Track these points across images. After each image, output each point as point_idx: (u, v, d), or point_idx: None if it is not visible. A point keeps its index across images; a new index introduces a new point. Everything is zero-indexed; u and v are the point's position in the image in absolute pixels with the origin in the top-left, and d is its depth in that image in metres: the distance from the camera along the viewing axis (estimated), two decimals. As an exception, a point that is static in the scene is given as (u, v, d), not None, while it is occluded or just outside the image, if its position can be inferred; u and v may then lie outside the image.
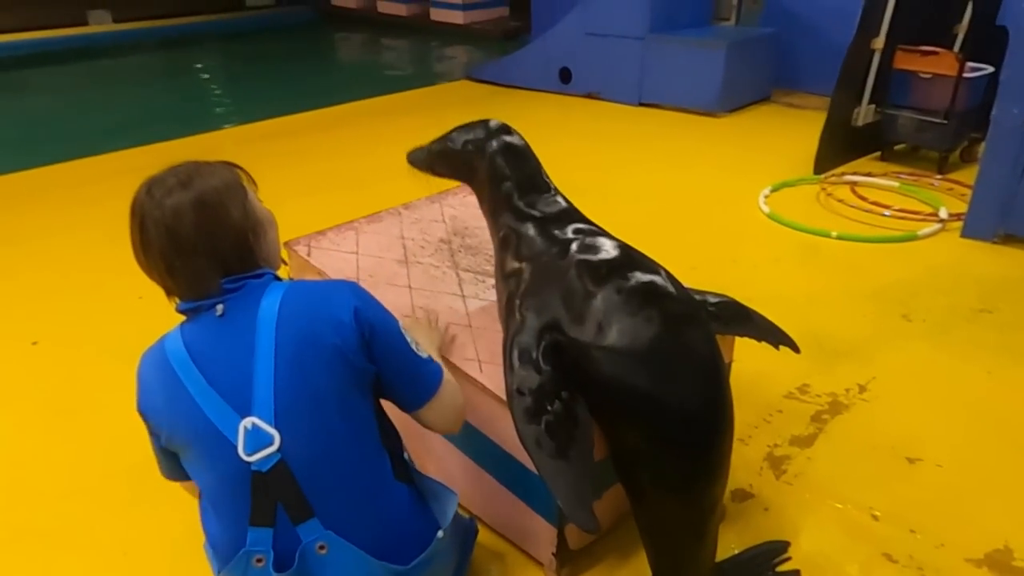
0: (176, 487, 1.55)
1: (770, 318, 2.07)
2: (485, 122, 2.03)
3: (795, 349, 2.06)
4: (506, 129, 2.01)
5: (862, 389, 2.60)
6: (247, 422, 1.23)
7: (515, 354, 1.65)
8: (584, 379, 1.63)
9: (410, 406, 1.46)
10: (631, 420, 1.60)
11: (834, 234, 3.81)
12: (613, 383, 1.59)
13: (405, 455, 1.49)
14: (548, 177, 2.01)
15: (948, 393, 2.59)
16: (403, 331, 1.41)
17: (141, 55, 10.02)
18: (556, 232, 1.82)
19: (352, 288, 1.38)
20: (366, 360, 1.33)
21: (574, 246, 1.77)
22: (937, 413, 2.49)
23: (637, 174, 4.89)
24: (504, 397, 1.68)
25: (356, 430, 1.31)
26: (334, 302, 1.32)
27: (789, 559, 1.90)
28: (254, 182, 1.45)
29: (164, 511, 2.05)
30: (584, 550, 1.87)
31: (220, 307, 1.29)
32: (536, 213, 1.89)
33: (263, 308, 1.27)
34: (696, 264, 3.45)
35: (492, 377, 1.76)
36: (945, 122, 4.52)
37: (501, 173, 1.94)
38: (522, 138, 2.03)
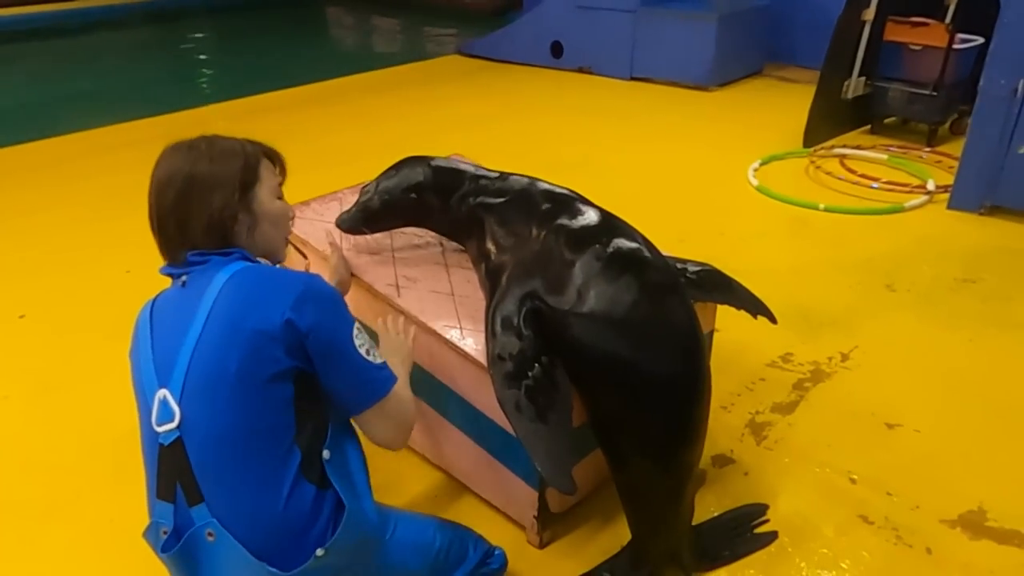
0: None
1: (756, 290, 2.09)
2: (403, 163, 2.05)
3: (772, 320, 2.09)
4: (422, 158, 2.05)
5: (844, 358, 2.63)
6: (161, 393, 1.24)
7: (497, 321, 1.67)
8: (564, 345, 1.65)
9: (350, 410, 1.38)
10: (610, 386, 1.63)
11: (822, 206, 3.82)
12: (593, 349, 1.62)
13: (328, 454, 1.32)
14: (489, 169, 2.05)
15: (929, 361, 2.62)
16: (354, 334, 1.32)
17: (129, 30, 9.92)
18: (528, 206, 1.85)
19: (303, 284, 1.29)
20: (292, 357, 1.25)
21: (551, 214, 1.79)
22: (918, 380, 2.52)
23: (628, 148, 4.89)
24: (485, 364, 1.70)
25: (263, 422, 1.24)
26: (274, 294, 1.26)
27: (767, 521, 1.94)
28: (282, 171, 1.48)
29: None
30: (565, 513, 1.90)
31: (184, 278, 1.32)
32: (498, 200, 1.91)
33: (212, 284, 1.28)
34: (684, 236, 3.46)
35: (474, 344, 1.78)
36: (935, 94, 4.51)
37: (450, 188, 1.97)
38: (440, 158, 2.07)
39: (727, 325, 2.24)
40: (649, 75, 6.44)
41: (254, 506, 1.22)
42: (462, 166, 2.05)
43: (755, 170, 4.32)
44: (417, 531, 1.51)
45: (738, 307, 2.05)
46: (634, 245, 1.73)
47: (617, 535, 1.89)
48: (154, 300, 1.37)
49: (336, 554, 1.27)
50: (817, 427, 2.29)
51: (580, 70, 6.79)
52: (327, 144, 4.92)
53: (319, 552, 1.24)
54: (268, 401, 1.24)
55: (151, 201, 1.34)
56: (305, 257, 2.10)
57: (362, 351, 1.33)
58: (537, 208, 1.85)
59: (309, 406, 1.30)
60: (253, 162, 1.39)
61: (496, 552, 1.69)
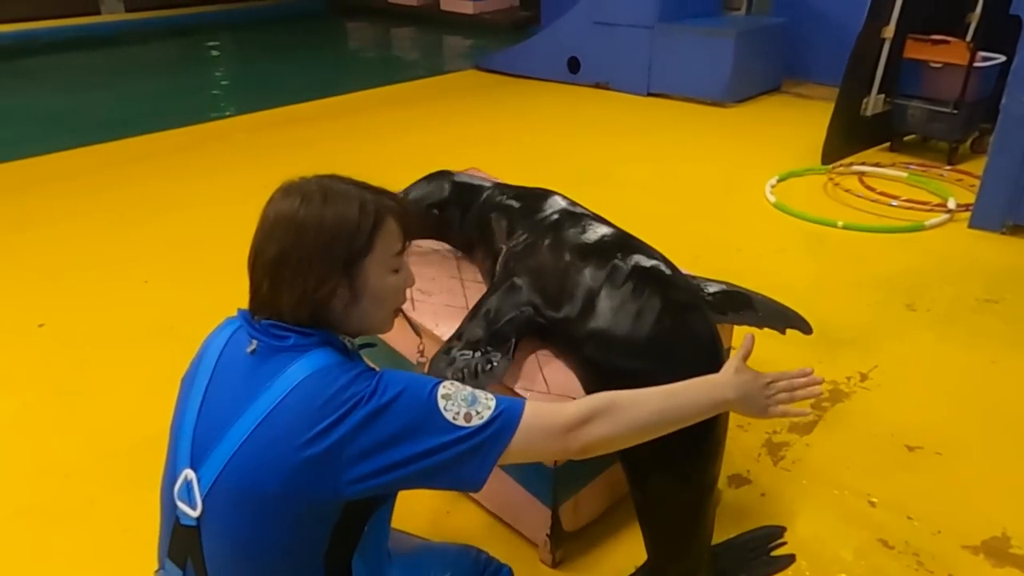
0: None
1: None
2: (427, 178, 2.11)
3: (806, 330, 2.00)
4: (445, 173, 2.11)
5: (864, 377, 2.59)
6: (188, 473, 1.11)
7: (480, 310, 1.76)
8: (580, 359, 1.64)
9: (477, 484, 1.13)
10: None
11: (840, 224, 3.79)
12: (612, 364, 1.61)
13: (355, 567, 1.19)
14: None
15: (951, 382, 2.58)
16: (443, 421, 1.09)
17: (153, 44, 10.07)
18: (543, 215, 1.88)
19: (355, 423, 1.06)
20: (348, 495, 1.08)
21: (565, 226, 1.80)
22: (939, 402, 2.47)
23: (645, 164, 4.88)
24: (503, 381, 1.69)
25: (293, 539, 1.10)
26: (338, 422, 1.06)
27: (785, 543, 1.91)
28: (408, 235, 1.23)
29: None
30: (579, 532, 1.88)
31: (254, 343, 1.14)
32: (513, 203, 1.95)
33: (279, 380, 1.10)
34: (700, 253, 3.43)
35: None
36: (955, 112, 4.48)
37: (470, 202, 2.05)
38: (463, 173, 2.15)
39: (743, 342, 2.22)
40: (667, 91, 6.44)
41: None
42: (483, 181, 2.06)
43: (772, 186, 4.30)
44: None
45: (759, 326, 2.01)
46: (653, 262, 1.72)
47: (631, 555, 1.86)
48: (227, 341, 1.19)
49: None
50: (835, 448, 2.26)
51: (597, 86, 6.80)
52: (345, 158, 4.96)
53: None
54: (304, 524, 1.10)
55: (253, 246, 1.16)
56: (419, 336, 1.81)
57: (462, 422, 1.10)
58: (552, 218, 1.85)
59: (350, 528, 1.14)
60: (369, 227, 1.16)
61: (504, 570, 1.66)
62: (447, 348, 1.74)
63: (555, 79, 7.00)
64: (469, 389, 1.14)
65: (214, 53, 9.47)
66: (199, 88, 7.51)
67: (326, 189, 1.16)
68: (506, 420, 1.12)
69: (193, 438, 1.13)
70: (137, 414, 2.40)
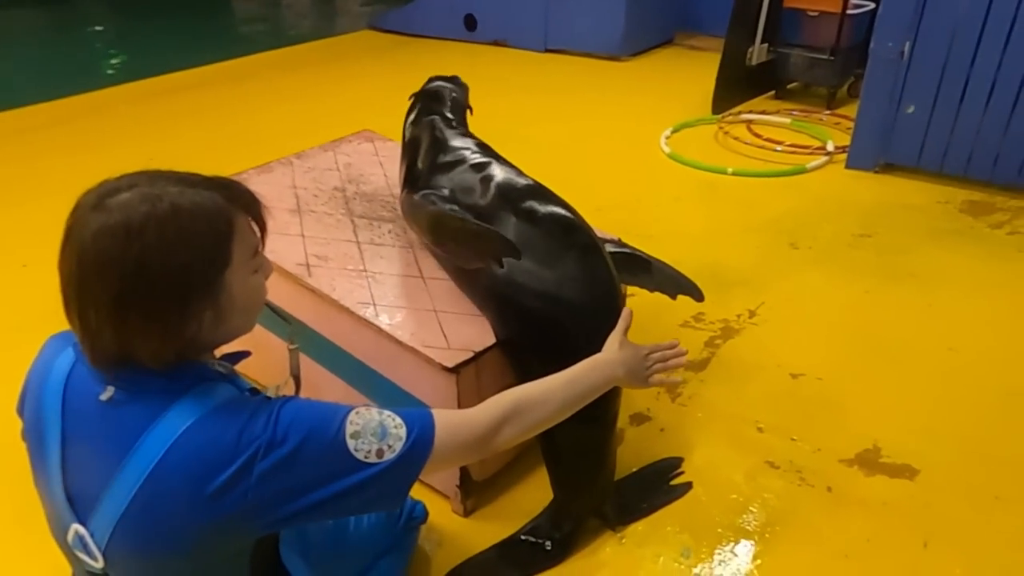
0: None
1: (671, 253, 2.14)
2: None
3: (698, 297, 2.04)
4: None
5: (752, 314, 2.75)
6: (78, 527, 1.01)
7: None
8: (489, 295, 1.75)
9: (395, 507, 1.19)
10: (536, 338, 1.68)
11: (730, 171, 3.95)
12: (521, 304, 1.68)
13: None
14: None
15: (830, 313, 2.78)
16: (351, 459, 1.02)
17: (19, 10, 9.28)
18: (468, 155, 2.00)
19: (256, 474, 0.97)
20: (263, 528, 1.03)
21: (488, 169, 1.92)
22: (819, 332, 2.66)
23: (544, 120, 4.91)
24: (403, 340, 1.72)
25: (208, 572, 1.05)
26: (236, 466, 0.96)
27: (682, 473, 2.03)
28: (262, 226, 1.07)
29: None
30: (487, 481, 1.94)
31: (110, 391, 1.00)
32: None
33: (159, 429, 0.97)
34: (601, 205, 3.52)
35: (390, 321, 1.78)
36: (832, 58, 4.71)
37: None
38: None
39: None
40: (563, 47, 6.47)
41: None
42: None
43: (667, 138, 4.43)
44: (343, 518, 1.49)
45: (652, 290, 2.05)
46: (562, 210, 1.80)
47: (539, 499, 1.93)
48: (67, 382, 1.04)
49: None
50: (727, 382, 2.40)
51: (495, 43, 6.75)
52: (234, 127, 4.76)
53: None
54: (219, 560, 1.04)
55: (71, 282, 0.95)
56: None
57: (372, 459, 1.03)
58: (477, 160, 1.95)
59: (268, 546, 1.12)
60: (223, 238, 0.99)
61: (418, 506, 1.72)
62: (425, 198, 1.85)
63: (452, 37, 6.91)
64: (377, 419, 1.06)
65: (88, 20, 8.82)
66: (74, 57, 7.00)
67: (153, 201, 0.94)
68: (419, 447, 1.08)
69: (68, 496, 1.01)
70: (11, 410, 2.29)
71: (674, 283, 2.09)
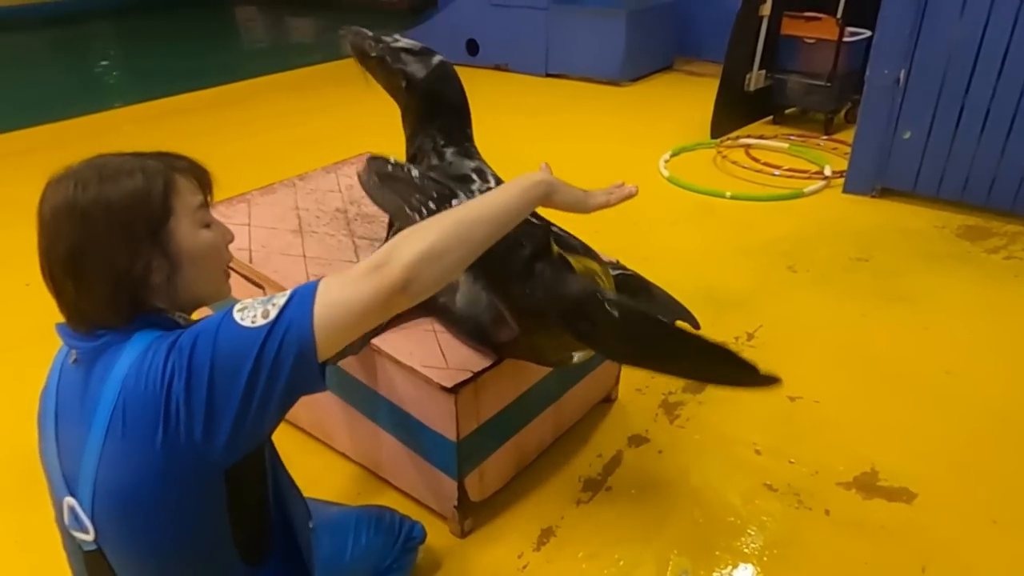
0: None
1: (668, 275, 2.17)
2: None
3: (694, 326, 2.10)
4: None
5: (750, 336, 2.77)
6: (70, 500, 1.05)
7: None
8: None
9: (313, 379, 1.09)
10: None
11: (728, 194, 3.99)
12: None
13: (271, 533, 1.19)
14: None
15: (827, 336, 2.79)
16: (235, 324, 1.00)
17: (25, 33, 9.41)
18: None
19: (176, 372, 0.98)
20: (210, 458, 1.00)
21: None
22: (816, 354, 2.67)
23: (544, 144, 4.97)
24: (402, 360, 1.73)
25: (191, 535, 1.06)
26: (161, 407, 0.98)
27: None
28: (204, 186, 1.13)
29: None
30: (484, 501, 1.94)
31: (73, 353, 1.07)
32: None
33: (109, 380, 1.01)
34: (599, 228, 3.51)
35: (387, 340, 1.80)
36: (829, 85, 4.77)
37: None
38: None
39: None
40: (564, 71, 6.56)
41: None
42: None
43: (666, 161, 4.47)
44: (342, 537, 1.53)
45: None
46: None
47: (537, 519, 1.95)
48: (62, 363, 1.13)
49: None
50: (725, 404, 2.40)
51: (497, 67, 6.84)
52: (241, 147, 4.82)
53: None
54: (196, 516, 1.05)
55: (40, 252, 1.05)
56: (261, 288, 1.85)
57: (251, 323, 0.99)
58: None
59: (245, 503, 1.11)
60: (161, 189, 1.06)
61: (416, 527, 1.72)
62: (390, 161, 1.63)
63: (454, 61, 6.88)
64: (262, 297, 1.04)
65: (97, 42, 8.95)
66: (82, 79, 7.10)
67: (99, 168, 1.05)
68: (302, 292, 1.02)
69: (60, 466, 1.07)
70: (22, 423, 2.30)
71: (671, 310, 2.12)
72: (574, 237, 1.88)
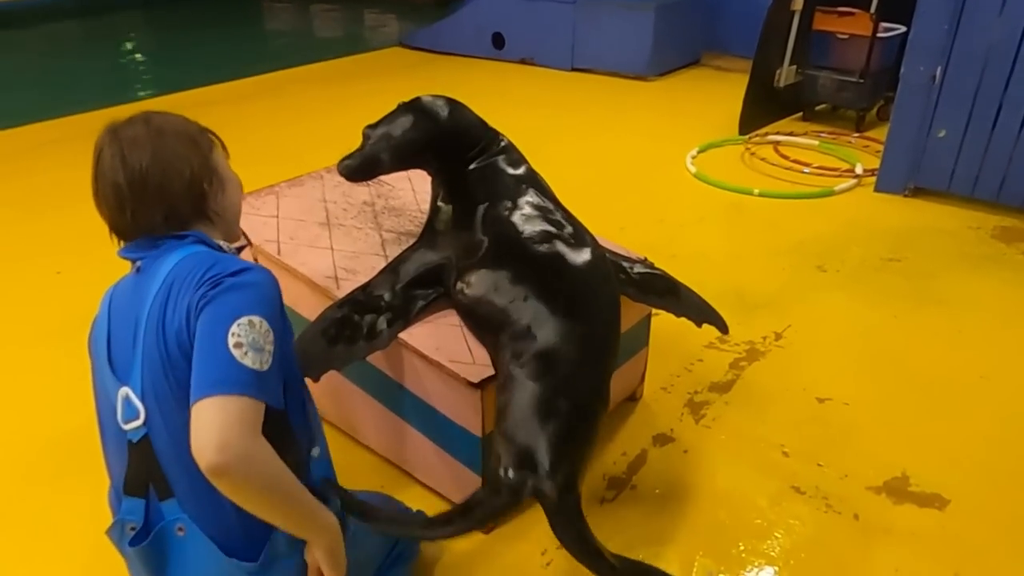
0: None
1: (694, 274, 2.16)
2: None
3: (722, 329, 2.14)
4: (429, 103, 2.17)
5: (778, 337, 2.73)
6: (123, 391, 1.21)
7: (388, 267, 1.88)
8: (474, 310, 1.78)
9: (192, 392, 1.14)
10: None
11: (756, 192, 3.94)
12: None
13: (307, 453, 1.33)
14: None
15: (857, 337, 2.74)
16: (232, 327, 1.14)
17: (57, 24, 9.54)
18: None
19: (211, 270, 1.19)
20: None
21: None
22: (846, 356, 2.63)
23: (570, 139, 4.94)
24: (428, 354, 1.73)
25: None
26: (188, 288, 1.18)
27: None
28: (226, 149, 1.42)
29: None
30: (509, 497, 1.93)
31: (139, 263, 1.28)
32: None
33: (157, 276, 1.22)
34: (625, 225, 3.52)
35: (414, 334, 1.79)
36: (861, 81, 4.68)
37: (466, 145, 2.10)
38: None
39: (665, 308, 2.31)
40: (590, 66, 6.51)
41: (218, 505, 1.18)
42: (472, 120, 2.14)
43: (693, 158, 4.42)
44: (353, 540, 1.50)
45: (678, 315, 2.09)
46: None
47: (561, 516, 1.93)
48: (114, 287, 1.32)
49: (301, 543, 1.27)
50: (752, 404, 2.37)
51: (523, 62, 6.81)
52: (267, 138, 4.84)
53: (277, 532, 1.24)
54: None
55: (112, 168, 1.24)
56: (249, 243, 2.08)
57: (230, 342, 1.13)
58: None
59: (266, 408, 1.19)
60: (203, 128, 1.37)
61: (411, 547, 1.73)
62: (341, 302, 1.82)
63: (480, 55, 6.98)
64: (262, 340, 1.16)
65: (125, 33, 9.04)
66: (109, 69, 7.18)
67: (153, 113, 1.31)
68: (244, 382, 1.13)
69: (111, 362, 1.23)
70: (55, 411, 2.33)
71: (700, 311, 2.12)
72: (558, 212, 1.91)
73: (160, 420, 1.19)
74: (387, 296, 1.83)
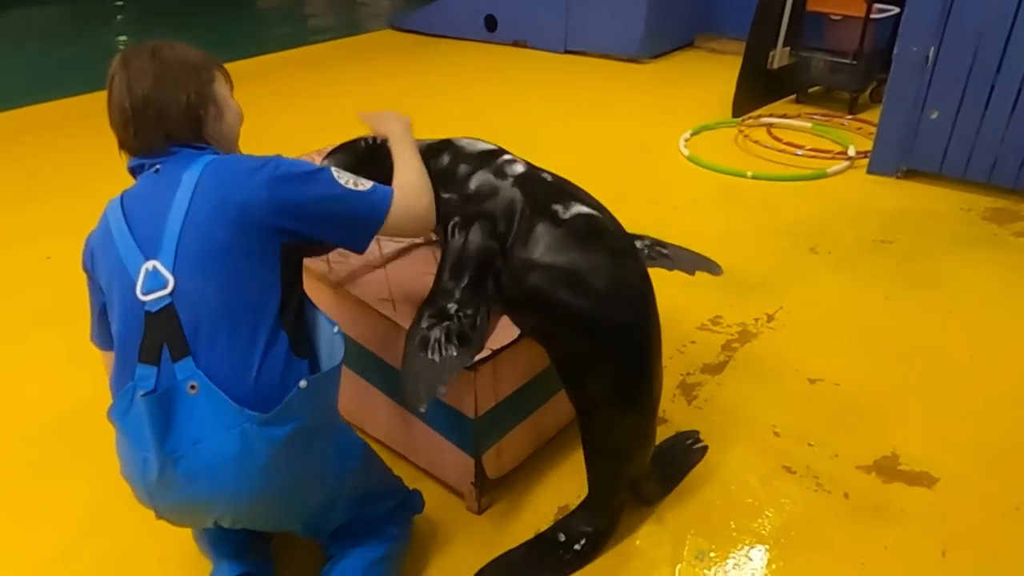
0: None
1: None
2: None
3: (715, 271, 2.20)
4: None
5: (770, 318, 2.74)
6: (149, 264, 1.33)
7: (447, 266, 1.75)
8: (529, 301, 1.72)
9: (359, 246, 1.49)
10: (577, 337, 1.69)
11: (750, 174, 3.93)
12: (560, 304, 1.68)
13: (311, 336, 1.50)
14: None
15: (848, 319, 2.75)
16: (335, 178, 1.43)
17: (44, 7, 9.42)
18: (496, 167, 1.89)
19: (270, 161, 1.42)
20: (275, 229, 1.38)
21: (510, 170, 1.86)
22: (838, 337, 2.64)
23: (563, 121, 4.92)
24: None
25: (251, 295, 1.36)
26: (251, 171, 1.39)
27: (701, 442, 2.10)
28: (229, 80, 1.58)
29: (85, 468, 2.04)
30: (502, 479, 1.94)
31: (157, 166, 1.43)
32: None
33: (190, 170, 1.39)
34: (618, 207, 3.42)
35: (406, 316, 1.79)
36: (855, 63, 4.67)
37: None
38: None
39: (659, 290, 2.30)
40: (583, 48, 6.48)
41: (239, 365, 1.32)
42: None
43: (686, 140, 4.41)
44: (352, 444, 1.61)
45: (671, 269, 2.15)
46: (594, 211, 1.82)
47: (554, 497, 1.94)
48: (122, 195, 1.45)
49: (312, 399, 1.37)
50: (744, 385, 2.39)
51: (515, 44, 6.77)
52: (256, 123, 4.78)
53: (302, 384, 1.35)
54: (259, 274, 1.37)
55: (120, 93, 1.42)
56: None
57: (349, 186, 1.44)
58: (504, 169, 1.88)
59: (292, 288, 1.44)
60: (212, 60, 1.53)
61: (416, 493, 1.77)
62: (419, 321, 1.70)
63: (472, 38, 6.93)
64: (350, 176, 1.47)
65: (113, 16, 8.94)
66: (97, 53, 7.09)
67: (166, 42, 1.49)
68: (383, 192, 1.48)
69: (135, 238, 1.36)
70: (46, 395, 2.33)
71: (691, 261, 2.18)
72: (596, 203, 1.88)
73: (193, 284, 1.32)
74: (456, 299, 1.72)
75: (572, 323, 1.68)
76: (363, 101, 5.18)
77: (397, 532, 1.67)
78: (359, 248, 1.49)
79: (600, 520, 1.81)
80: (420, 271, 1.96)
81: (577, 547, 1.77)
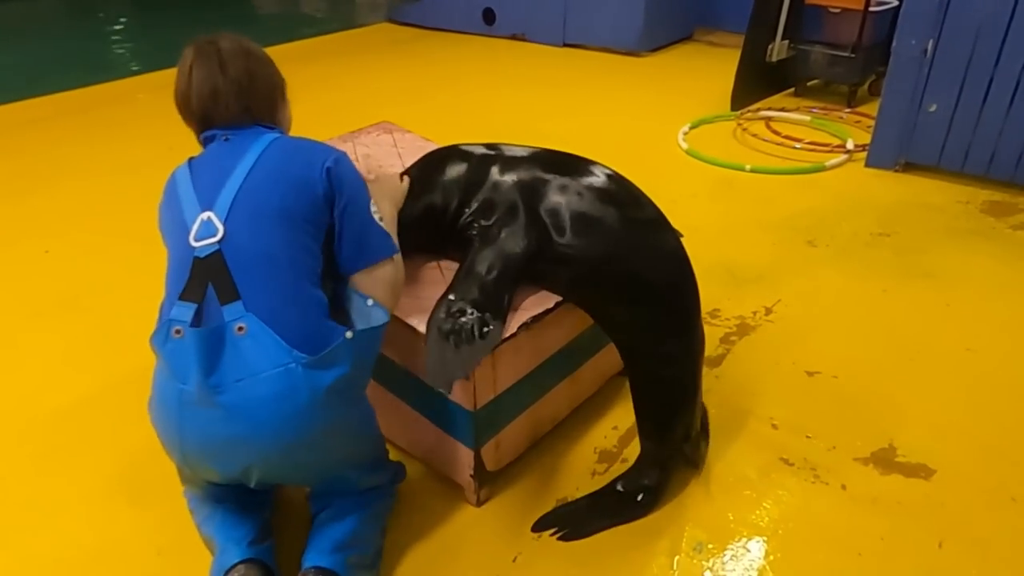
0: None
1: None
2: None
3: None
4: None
5: (768, 311, 2.74)
6: (204, 215, 1.47)
7: (480, 260, 1.78)
8: (574, 273, 1.81)
9: (348, 266, 1.58)
10: (626, 300, 1.82)
11: (748, 167, 3.93)
12: (609, 276, 1.80)
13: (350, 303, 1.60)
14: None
15: (847, 311, 2.76)
16: (372, 203, 1.59)
17: (39, 1, 9.37)
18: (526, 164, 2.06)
19: (338, 152, 1.60)
20: (326, 205, 1.53)
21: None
22: (836, 330, 2.65)
23: (562, 115, 4.91)
24: (420, 329, 1.72)
25: (297, 255, 1.48)
26: (316, 152, 1.58)
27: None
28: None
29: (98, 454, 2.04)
30: (501, 471, 1.95)
31: (228, 136, 1.60)
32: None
33: (259, 141, 1.56)
34: (616, 200, 3.51)
35: (407, 310, 1.79)
36: (853, 56, 4.67)
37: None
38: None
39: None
40: (582, 41, 6.46)
41: (287, 307, 1.42)
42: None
43: (685, 134, 4.41)
44: (372, 412, 1.71)
45: None
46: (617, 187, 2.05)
47: (554, 489, 1.95)
48: (190, 161, 1.60)
49: (356, 350, 1.49)
50: (742, 378, 2.39)
51: (514, 37, 6.75)
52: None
53: (348, 334, 1.46)
54: (302, 241, 1.50)
55: (210, 71, 1.59)
56: None
57: (375, 217, 1.59)
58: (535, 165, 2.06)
59: (330, 263, 1.57)
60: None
61: (400, 465, 1.88)
62: (441, 308, 1.71)
63: (471, 31, 6.91)
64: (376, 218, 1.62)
65: (106, 10, 8.90)
66: (94, 46, 7.08)
67: (238, 35, 1.71)
68: (394, 244, 1.64)
69: (197, 194, 1.50)
70: (46, 389, 2.33)
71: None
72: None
73: (241, 238, 1.45)
74: (477, 294, 1.73)
75: (619, 296, 1.80)
76: (361, 95, 5.16)
77: (387, 492, 1.78)
78: (350, 267, 1.58)
79: (652, 473, 1.91)
80: (421, 263, 1.97)
81: (637, 499, 1.89)
